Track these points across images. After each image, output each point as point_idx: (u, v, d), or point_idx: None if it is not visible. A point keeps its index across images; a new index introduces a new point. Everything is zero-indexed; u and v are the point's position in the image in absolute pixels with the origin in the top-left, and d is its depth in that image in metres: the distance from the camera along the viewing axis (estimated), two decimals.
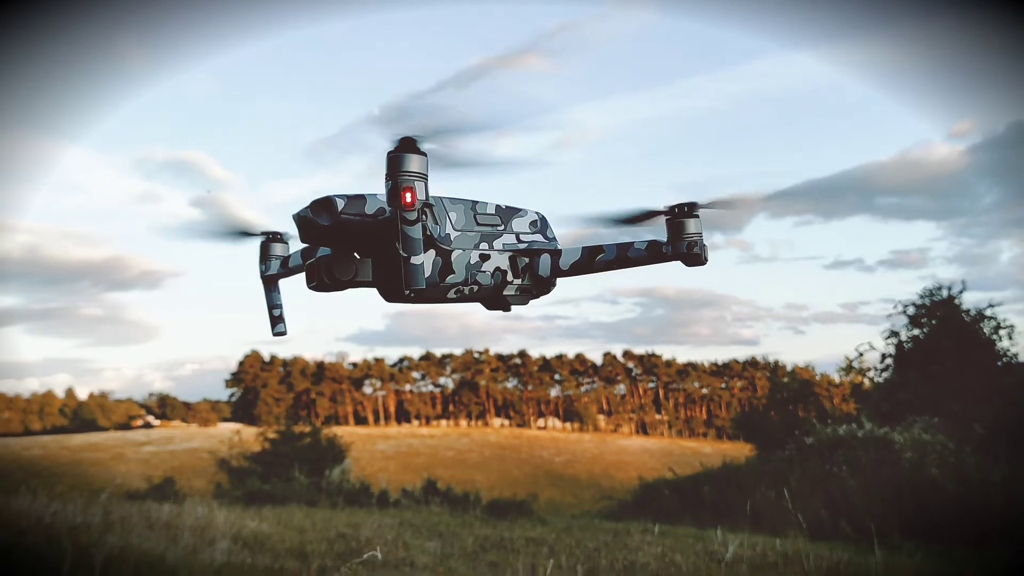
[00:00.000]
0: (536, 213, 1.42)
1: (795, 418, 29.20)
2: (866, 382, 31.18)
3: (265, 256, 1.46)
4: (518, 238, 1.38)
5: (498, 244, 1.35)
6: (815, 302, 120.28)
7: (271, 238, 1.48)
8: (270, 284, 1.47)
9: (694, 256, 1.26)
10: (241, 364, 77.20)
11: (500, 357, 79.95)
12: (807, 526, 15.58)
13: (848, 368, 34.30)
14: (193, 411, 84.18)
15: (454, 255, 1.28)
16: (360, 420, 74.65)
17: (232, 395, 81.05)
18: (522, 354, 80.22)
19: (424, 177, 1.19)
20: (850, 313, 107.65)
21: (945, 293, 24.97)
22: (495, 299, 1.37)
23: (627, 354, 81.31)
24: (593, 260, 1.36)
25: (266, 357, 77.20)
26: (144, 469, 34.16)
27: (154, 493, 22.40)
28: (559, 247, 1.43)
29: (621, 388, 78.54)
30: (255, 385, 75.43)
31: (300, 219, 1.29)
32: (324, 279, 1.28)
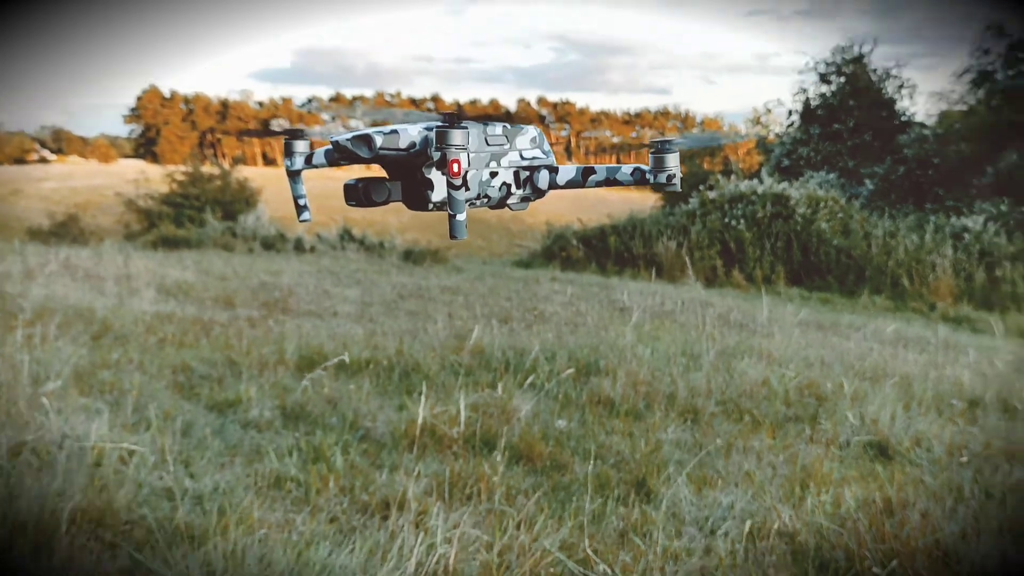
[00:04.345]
0: (535, 129, 1.57)
1: (701, 170, 30.14)
2: (771, 136, 32.03)
3: (289, 152, 1.57)
4: (521, 155, 1.54)
5: (505, 162, 1.51)
6: (728, 51, 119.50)
7: (293, 135, 1.58)
8: (295, 177, 1.60)
9: (671, 186, 1.46)
10: (139, 99, 73.68)
11: (413, 101, 78.34)
12: (703, 275, 16.77)
13: (756, 121, 35.10)
14: (91, 147, 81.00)
15: (469, 175, 1.45)
16: (268, 161, 73.37)
17: (132, 132, 77.98)
18: (435, 99, 78.79)
19: (466, 148, 1.36)
20: (761, 64, 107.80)
21: (856, 51, 25.28)
22: (498, 206, 1.57)
23: (541, 101, 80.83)
24: (586, 179, 1.53)
25: (166, 93, 73.76)
26: (45, 205, 33.16)
27: (59, 231, 22.18)
28: (554, 162, 1.59)
29: None
30: (156, 122, 72.54)
31: (340, 147, 1.43)
32: (362, 199, 1.46)
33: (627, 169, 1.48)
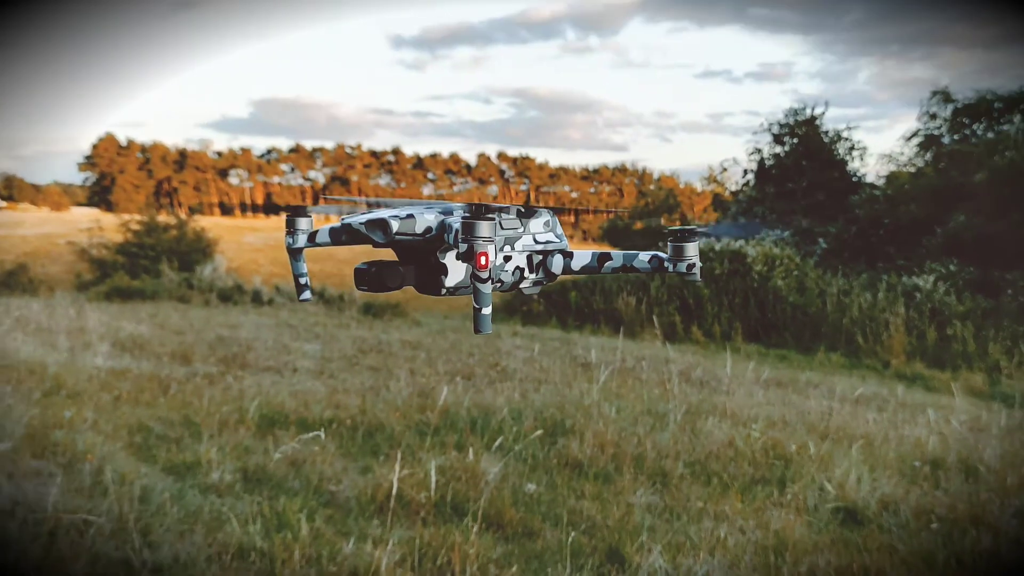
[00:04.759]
0: (548, 212, 1.54)
1: (659, 227, 30.54)
2: (727, 194, 32.64)
3: (291, 229, 1.52)
4: (534, 239, 1.51)
5: (518, 246, 1.48)
6: (683, 111, 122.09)
7: (296, 212, 1.54)
8: (296, 255, 1.55)
9: (691, 275, 1.44)
10: (95, 147, 72.77)
11: (373, 153, 78.53)
12: (662, 330, 16.87)
13: (711, 179, 35.76)
14: (43, 194, 79.70)
15: None
16: (226, 211, 72.77)
17: (86, 179, 76.91)
18: (395, 151, 79.10)
19: (494, 240, 1.33)
20: (715, 124, 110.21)
21: (808, 113, 25.98)
22: (510, 290, 1.54)
23: (501, 156, 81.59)
24: (601, 265, 1.50)
25: (122, 141, 73.03)
26: None
27: (7, 280, 21.63)
28: (567, 246, 1.56)
29: (494, 189, 79.54)
30: (111, 171, 71.57)
31: (352, 230, 1.39)
32: (375, 284, 1.42)
33: (645, 256, 1.46)
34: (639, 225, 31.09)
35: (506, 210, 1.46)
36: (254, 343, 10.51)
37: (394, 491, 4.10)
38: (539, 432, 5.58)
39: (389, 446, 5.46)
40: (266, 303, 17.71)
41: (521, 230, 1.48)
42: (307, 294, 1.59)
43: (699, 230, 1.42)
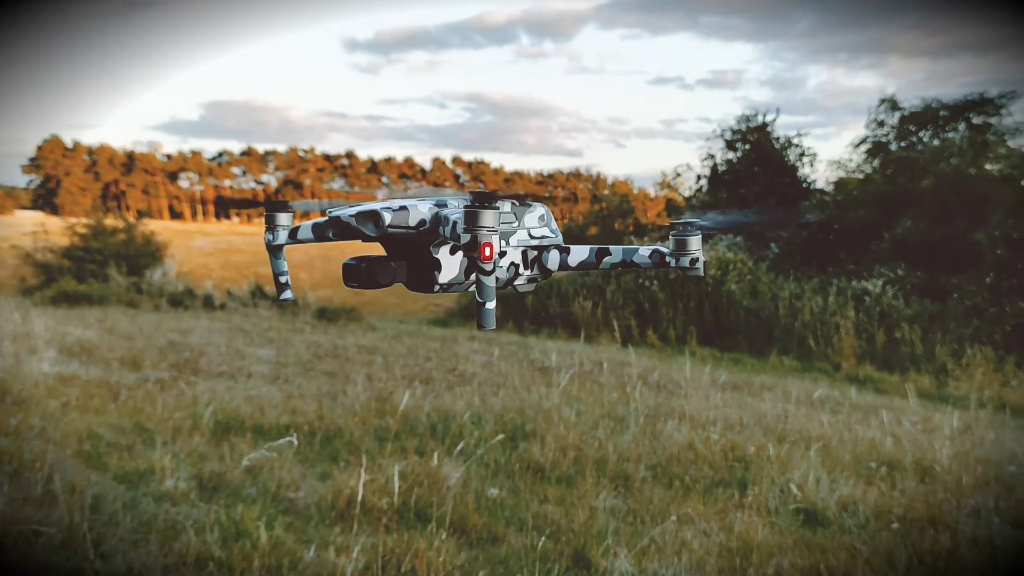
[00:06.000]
0: (542, 206, 1.49)
1: (613, 231, 30.69)
2: (680, 199, 32.91)
3: (271, 226, 1.43)
4: (529, 234, 1.45)
5: (513, 241, 1.43)
6: (636, 117, 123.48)
7: (276, 208, 1.45)
8: (276, 252, 1.47)
9: (695, 270, 1.39)
10: (39, 149, 71.03)
11: (327, 157, 77.87)
12: (618, 334, 16.94)
13: (665, 185, 36.04)
14: None
15: None
16: (175, 215, 71.54)
17: (30, 182, 75.06)
18: (349, 155, 78.58)
19: (497, 230, 1.26)
20: (668, 129, 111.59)
21: (760, 119, 26.33)
22: (504, 287, 1.48)
23: (456, 160, 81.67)
24: (600, 260, 1.45)
25: (68, 143, 71.37)
26: None
27: None
28: (562, 241, 1.51)
29: None
30: (57, 173, 69.90)
31: (340, 223, 1.31)
32: (365, 280, 1.34)
33: (645, 251, 1.42)
34: (593, 230, 31.22)
35: (500, 202, 1.41)
36: (206, 348, 10.31)
37: (359, 497, 4.02)
38: (500, 436, 5.54)
39: (348, 452, 5.38)
40: (218, 307, 17.40)
41: (516, 224, 1.43)
42: (288, 293, 1.51)
43: (700, 223, 1.38)
